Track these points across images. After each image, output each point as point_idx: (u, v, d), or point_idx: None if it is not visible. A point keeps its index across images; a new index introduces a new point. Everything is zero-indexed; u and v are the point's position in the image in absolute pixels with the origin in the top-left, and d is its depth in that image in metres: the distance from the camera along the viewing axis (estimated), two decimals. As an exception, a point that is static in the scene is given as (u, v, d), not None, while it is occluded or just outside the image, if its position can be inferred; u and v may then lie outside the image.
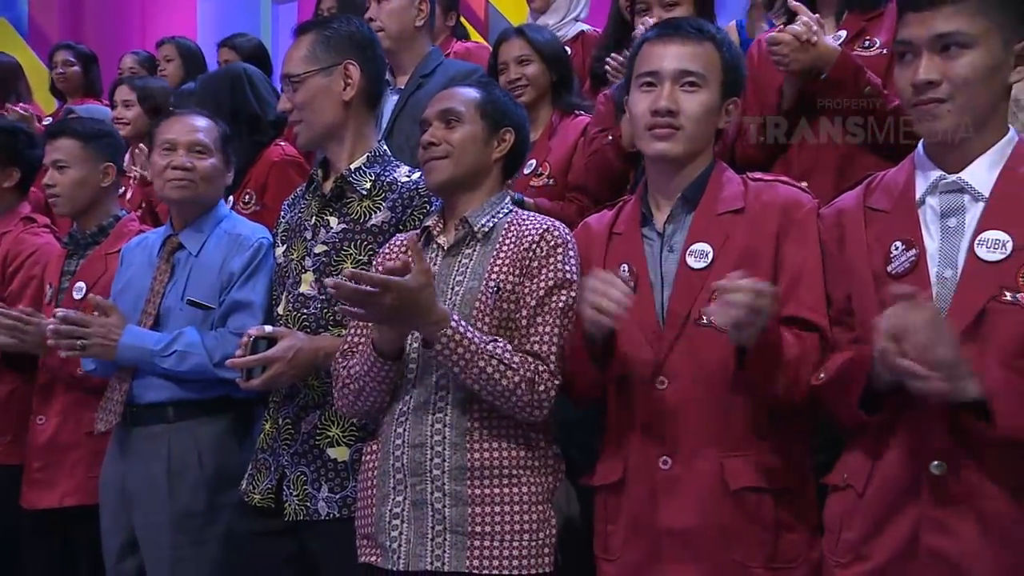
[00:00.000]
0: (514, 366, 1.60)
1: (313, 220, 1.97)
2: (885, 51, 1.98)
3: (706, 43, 1.62)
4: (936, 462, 1.33)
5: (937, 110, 1.37)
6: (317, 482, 1.87)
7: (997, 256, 1.33)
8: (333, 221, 1.94)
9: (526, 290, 1.68)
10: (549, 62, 2.64)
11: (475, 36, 4.00)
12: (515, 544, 1.63)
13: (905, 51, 1.41)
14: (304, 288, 1.93)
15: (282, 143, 2.74)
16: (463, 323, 1.61)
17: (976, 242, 1.34)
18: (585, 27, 3.18)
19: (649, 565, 1.55)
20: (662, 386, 1.56)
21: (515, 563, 1.62)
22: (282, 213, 2.10)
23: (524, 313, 1.67)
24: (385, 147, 2.01)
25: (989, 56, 1.35)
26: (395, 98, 2.72)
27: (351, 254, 1.90)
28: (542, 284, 1.67)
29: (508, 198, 1.82)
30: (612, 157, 2.31)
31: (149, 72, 4.19)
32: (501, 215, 1.78)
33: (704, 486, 1.52)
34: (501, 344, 1.63)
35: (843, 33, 2.04)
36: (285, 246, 2.02)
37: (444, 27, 3.12)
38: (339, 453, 1.88)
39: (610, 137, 2.30)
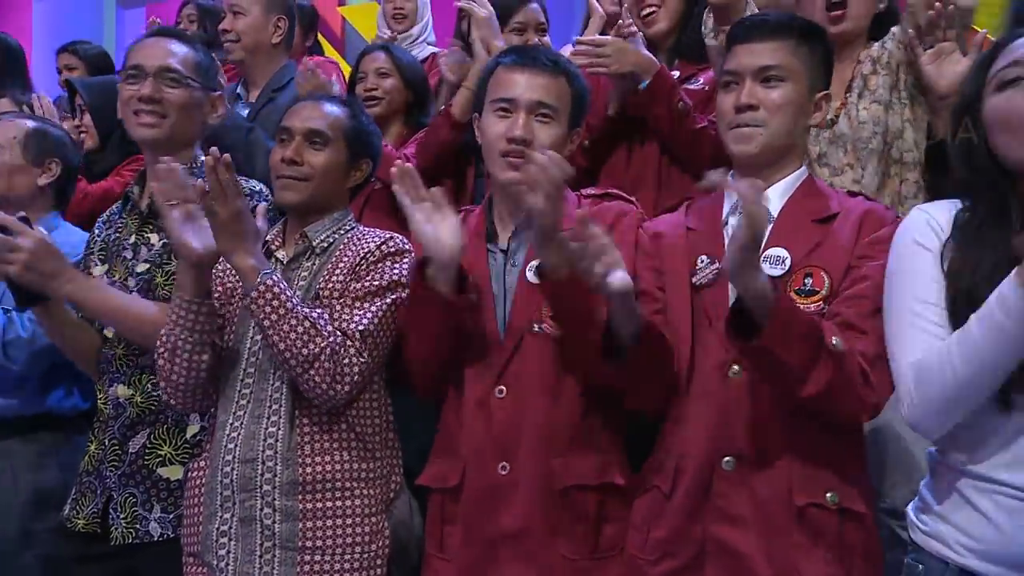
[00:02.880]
0: (324, 334, 1.59)
1: (133, 239, 1.90)
2: (707, 88, 2.13)
3: (560, 77, 1.67)
4: (727, 458, 1.45)
5: (751, 134, 1.52)
6: (148, 503, 1.80)
7: (777, 271, 1.47)
8: (154, 238, 1.88)
9: (350, 288, 1.68)
10: (408, 81, 2.66)
11: (331, 52, 3.97)
12: (346, 557, 1.62)
13: (731, 80, 1.56)
14: None
15: None
16: (285, 284, 1.61)
17: (762, 259, 1.46)
18: (436, 49, 3.22)
19: (485, 567, 1.59)
20: (501, 395, 1.61)
21: None
22: (96, 230, 2.00)
23: (342, 301, 1.67)
24: (204, 158, 1.95)
25: (798, 93, 1.53)
26: (246, 111, 2.68)
27: (174, 268, 1.83)
28: (367, 284, 1.68)
29: (351, 215, 1.84)
30: (442, 126, 2.34)
31: None
32: (342, 231, 1.78)
33: (535, 488, 1.58)
34: (319, 312, 1.63)
35: (676, 73, 2.17)
36: (106, 266, 1.93)
37: (301, 46, 3.09)
38: (172, 472, 1.81)
39: (442, 108, 2.34)
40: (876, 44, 1.97)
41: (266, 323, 1.59)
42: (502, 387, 1.61)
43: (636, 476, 1.61)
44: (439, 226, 1.54)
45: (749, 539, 1.42)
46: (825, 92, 1.57)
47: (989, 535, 1.23)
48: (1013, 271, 1.14)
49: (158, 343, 1.69)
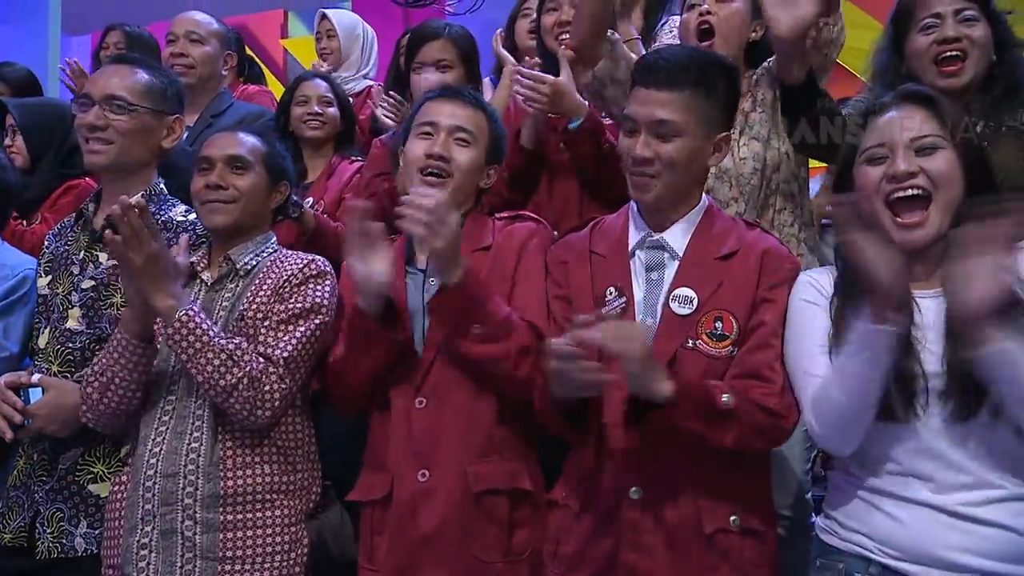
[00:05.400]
0: (241, 363, 1.61)
1: (82, 255, 1.90)
2: None
3: (480, 111, 1.78)
4: (634, 488, 1.49)
5: (648, 184, 1.56)
6: (76, 518, 1.78)
7: (685, 311, 1.52)
8: (103, 257, 1.88)
9: (273, 310, 1.70)
10: (344, 111, 2.71)
11: (273, 82, 3.99)
12: (266, 566, 1.64)
13: (630, 126, 1.57)
14: (71, 323, 1.85)
15: (90, 179, 2.61)
16: (204, 316, 1.63)
17: (671, 297, 1.53)
18: (372, 82, 3.28)
19: (407, 572, 1.61)
20: (421, 405, 1.65)
21: None
22: (46, 243, 2.00)
23: (267, 324, 1.69)
24: (163, 186, 1.97)
25: (692, 145, 1.54)
26: (184, 135, 2.67)
27: (120, 288, 1.84)
28: (291, 306, 1.70)
29: (273, 238, 1.86)
30: (387, 204, 2.31)
31: None
32: (265, 254, 1.80)
33: (452, 493, 1.61)
34: (236, 342, 1.64)
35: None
36: (50, 278, 1.93)
37: (227, 68, 3.10)
38: (102, 489, 1.80)
39: (386, 185, 2.38)
40: (753, 77, 2.02)
41: (184, 356, 1.61)
42: (422, 398, 1.65)
43: (549, 487, 1.65)
44: (371, 261, 1.59)
45: (659, 564, 1.47)
46: (726, 133, 1.57)
47: (899, 538, 1.33)
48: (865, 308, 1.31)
49: (89, 373, 1.69)
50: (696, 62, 1.56)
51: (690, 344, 1.51)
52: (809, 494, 1.93)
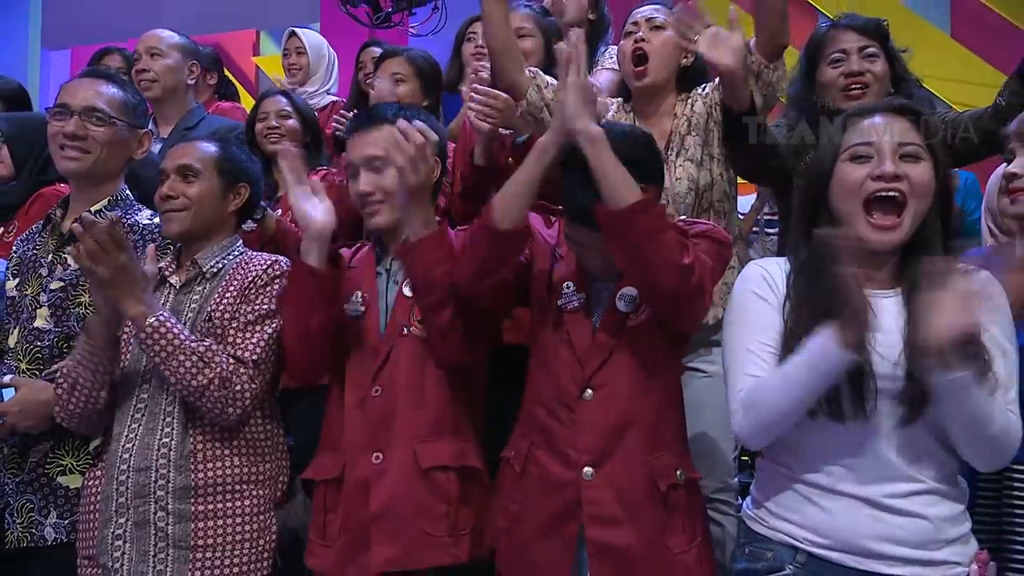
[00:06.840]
0: (213, 364, 1.65)
1: (50, 257, 1.94)
2: None
3: (385, 126, 1.73)
4: (587, 469, 1.55)
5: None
6: (45, 509, 1.81)
7: (627, 308, 1.59)
8: (71, 259, 1.92)
9: (241, 311, 1.75)
10: (306, 123, 2.76)
11: (246, 98, 4.05)
12: (236, 553, 1.68)
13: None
14: (39, 323, 1.89)
15: (62, 185, 2.66)
16: (174, 320, 1.68)
17: (617, 296, 1.59)
18: (336, 98, 3.35)
19: (359, 548, 1.66)
20: (376, 394, 1.71)
21: (235, 571, 1.68)
22: (15, 248, 2.04)
23: (235, 326, 1.74)
24: (128, 192, 2.02)
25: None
26: (158, 147, 2.74)
27: (88, 288, 1.87)
28: (257, 307, 1.75)
29: (239, 241, 1.91)
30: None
31: None
32: (231, 256, 1.85)
33: (402, 470, 1.66)
34: (207, 343, 1.69)
35: None
36: (18, 280, 1.97)
37: (206, 86, 3.17)
38: (71, 481, 1.83)
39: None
40: (688, 101, 2.11)
41: (156, 359, 1.65)
42: (378, 387, 1.71)
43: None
44: (314, 204, 1.68)
45: (624, 533, 1.53)
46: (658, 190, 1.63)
47: (827, 528, 1.38)
48: (827, 324, 1.30)
49: (59, 376, 1.73)
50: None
51: (627, 337, 1.59)
52: (736, 479, 2.02)
